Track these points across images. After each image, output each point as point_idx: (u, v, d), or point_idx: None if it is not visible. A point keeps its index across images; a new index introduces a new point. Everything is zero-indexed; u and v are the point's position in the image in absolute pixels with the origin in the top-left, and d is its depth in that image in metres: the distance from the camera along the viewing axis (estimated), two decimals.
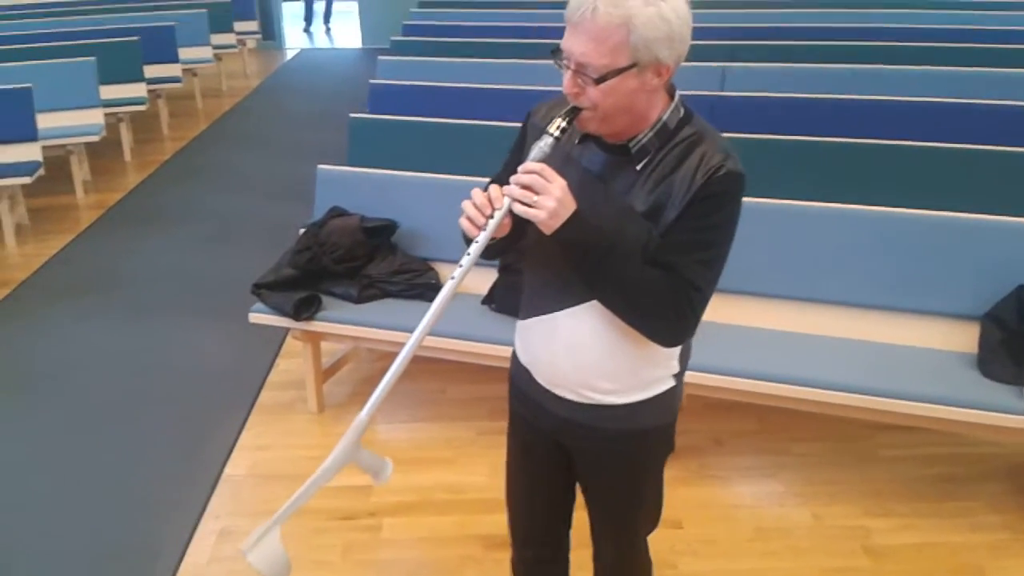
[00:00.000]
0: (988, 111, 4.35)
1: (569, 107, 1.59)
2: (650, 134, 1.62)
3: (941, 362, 3.01)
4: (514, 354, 1.99)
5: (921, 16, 6.93)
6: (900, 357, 3.05)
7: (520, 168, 1.56)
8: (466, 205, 1.60)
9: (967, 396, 2.81)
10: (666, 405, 1.85)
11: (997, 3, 7.65)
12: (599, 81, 1.52)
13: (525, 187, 1.53)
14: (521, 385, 1.96)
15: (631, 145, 1.63)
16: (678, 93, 1.67)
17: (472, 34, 6.85)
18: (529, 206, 1.53)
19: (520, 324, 1.90)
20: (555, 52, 1.59)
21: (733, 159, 1.59)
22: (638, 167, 1.63)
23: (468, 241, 1.63)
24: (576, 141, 1.70)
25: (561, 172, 1.58)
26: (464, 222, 1.60)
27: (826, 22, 6.75)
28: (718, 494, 3.14)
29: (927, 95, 4.54)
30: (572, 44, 1.54)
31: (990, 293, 3.02)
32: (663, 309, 1.61)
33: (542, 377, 1.86)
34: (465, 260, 1.59)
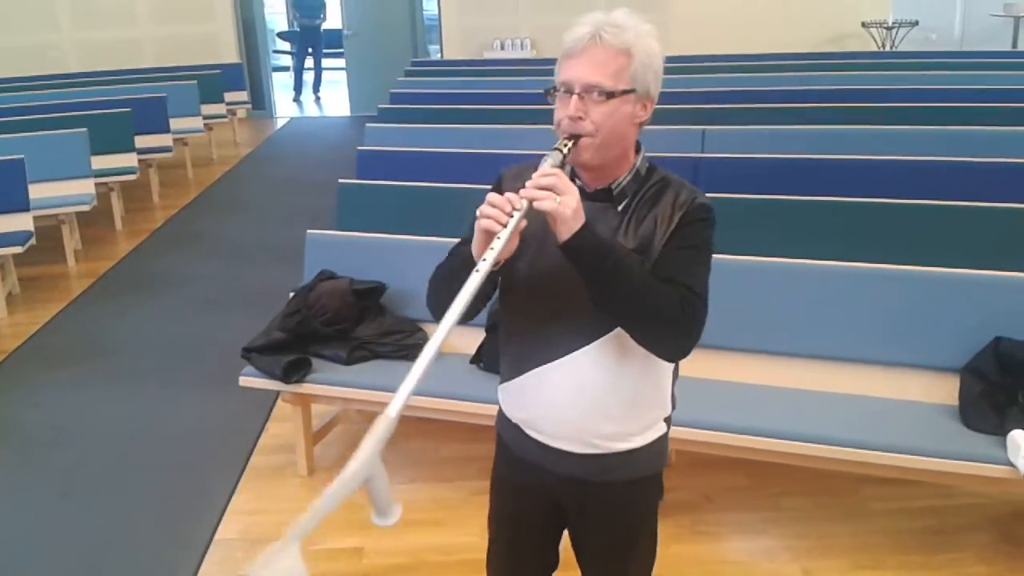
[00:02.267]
0: (962, 168, 4.47)
1: (568, 135, 1.69)
2: (628, 178, 1.75)
3: (924, 414, 3.06)
4: (502, 419, 2.00)
5: (895, 77, 7.12)
6: (884, 410, 3.09)
7: (535, 175, 1.60)
8: (483, 208, 1.61)
9: (951, 448, 2.85)
10: (661, 451, 1.92)
11: (967, 64, 7.86)
12: (610, 96, 1.65)
13: (550, 188, 1.58)
14: (514, 449, 1.96)
15: (613, 187, 1.75)
16: (644, 147, 1.80)
17: (457, 101, 6.99)
18: (555, 203, 1.56)
19: (510, 385, 1.92)
20: (548, 91, 1.73)
21: (701, 194, 1.73)
22: (619, 208, 1.74)
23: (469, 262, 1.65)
24: None
25: (544, 228, 1.65)
26: (485, 222, 1.59)
27: (801, 85, 6.92)
28: (710, 551, 3.15)
29: (903, 154, 4.66)
30: (577, 71, 1.67)
31: (968, 345, 3.08)
32: (674, 314, 1.66)
33: (542, 431, 1.87)
34: (489, 254, 1.57)
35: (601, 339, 1.75)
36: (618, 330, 1.72)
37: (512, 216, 1.58)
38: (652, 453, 1.89)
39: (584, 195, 1.72)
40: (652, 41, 1.68)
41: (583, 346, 1.76)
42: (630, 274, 1.63)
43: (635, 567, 2.02)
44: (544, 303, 1.77)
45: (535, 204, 1.58)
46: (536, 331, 1.81)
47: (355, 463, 1.54)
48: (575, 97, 1.67)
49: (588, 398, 1.79)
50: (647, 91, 1.69)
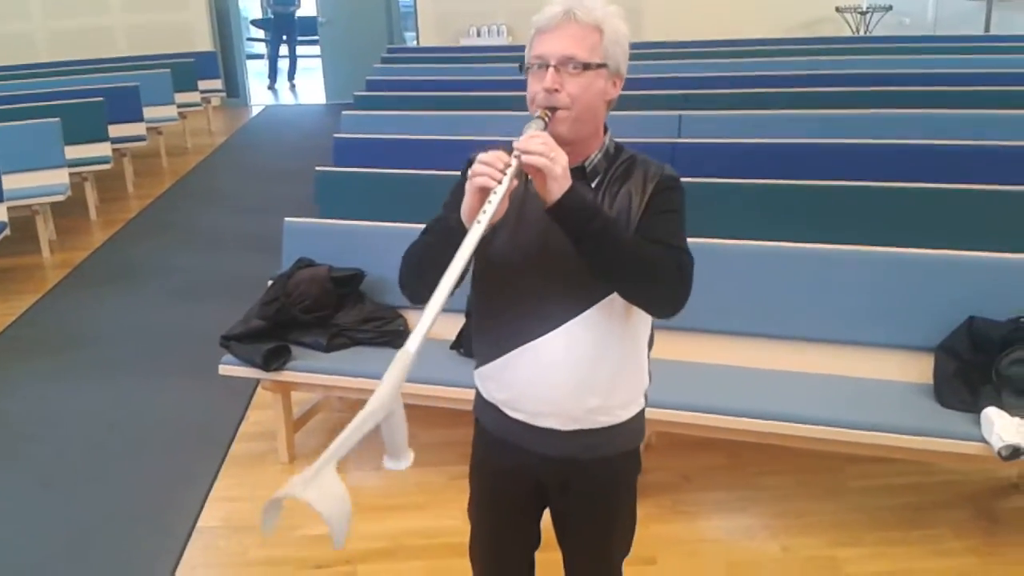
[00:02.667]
0: (935, 151, 4.51)
1: (544, 107, 1.72)
2: (599, 155, 1.80)
3: (899, 393, 3.10)
4: (481, 403, 2.01)
5: (869, 62, 7.16)
6: (860, 389, 3.13)
7: (524, 137, 1.63)
8: (476, 167, 1.62)
9: (926, 425, 2.89)
10: (639, 427, 1.96)
11: (941, 48, 7.93)
12: (586, 67, 1.70)
13: (543, 146, 1.60)
14: (494, 431, 1.98)
15: (586, 165, 1.79)
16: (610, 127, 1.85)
17: (433, 88, 6.98)
18: (547, 159, 1.59)
19: (490, 366, 1.92)
20: (523, 66, 1.77)
21: (668, 167, 1.79)
22: (592, 185, 1.78)
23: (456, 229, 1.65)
24: (527, 185, 1.76)
25: (525, 205, 1.73)
26: (480, 179, 1.61)
27: (776, 70, 6.95)
28: (690, 529, 3.18)
29: (877, 137, 4.70)
30: (553, 45, 1.71)
31: (942, 325, 3.12)
32: (669, 269, 1.70)
33: (525, 410, 1.88)
34: (488, 207, 1.58)
35: (585, 312, 1.76)
36: (602, 302, 1.75)
37: (505, 173, 1.60)
38: (632, 428, 1.93)
39: None
40: (619, 21, 1.75)
41: (567, 320, 1.77)
42: (619, 232, 1.67)
43: (616, 542, 2.04)
44: (526, 279, 1.78)
45: (527, 159, 1.60)
46: (518, 309, 1.82)
47: (375, 398, 1.53)
48: (551, 70, 1.71)
49: (574, 372, 1.80)
50: (617, 67, 1.75)
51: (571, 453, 1.88)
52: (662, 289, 1.72)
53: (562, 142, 1.72)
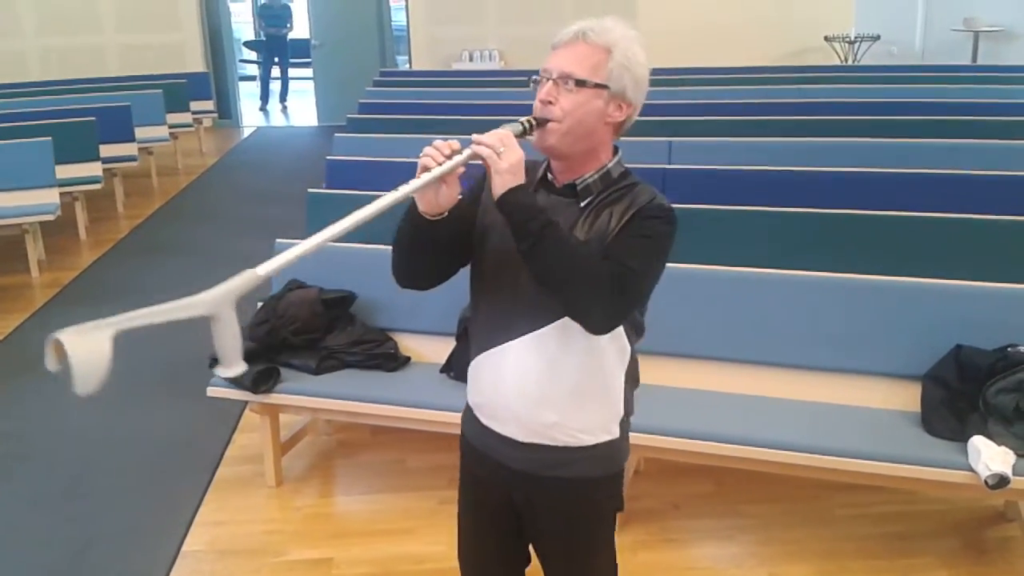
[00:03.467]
0: (924, 180, 4.55)
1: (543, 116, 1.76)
2: (595, 176, 1.80)
3: (887, 421, 3.11)
4: (466, 410, 2.04)
5: (858, 91, 7.23)
6: (848, 417, 3.14)
7: (491, 132, 1.69)
8: (427, 148, 1.70)
9: (914, 454, 2.90)
10: (610, 455, 1.92)
11: (928, 77, 8.01)
12: (580, 84, 1.72)
13: (496, 141, 1.68)
14: (472, 438, 2.02)
15: (578, 183, 1.79)
16: (621, 151, 1.84)
17: (425, 111, 7.00)
18: (495, 153, 1.66)
19: (471, 365, 1.97)
20: (531, 79, 1.81)
21: (663, 197, 1.77)
22: (582, 204, 1.79)
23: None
24: (532, 189, 1.81)
25: None
26: (424, 159, 1.70)
27: (766, 98, 7.01)
28: (678, 557, 3.17)
29: (866, 166, 4.74)
30: (558, 60, 1.76)
31: (929, 353, 3.14)
32: (599, 283, 1.67)
33: (492, 417, 1.91)
34: (413, 182, 1.68)
35: (548, 326, 1.79)
36: (564, 319, 1.75)
37: (451, 159, 1.67)
38: (601, 456, 1.90)
39: (551, 189, 1.82)
40: (635, 46, 1.74)
41: (531, 331, 1.80)
42: (559, 236, 1.68)
43: (589, 573, 2.03)
44: (503, 285, 1.82)
45: (474, 148, 1.67)
46: (493, 312, 1.86)
47: (200, 296, 1.58)
48: (550, 82, 1.75)
49: (533, 383, 1.83)
50: (622, 91, 1.74)
51: (532, 468, 1.89)
52: (590, 300, 1.69)
53: (553, 155, 1.79)
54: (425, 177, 1.67)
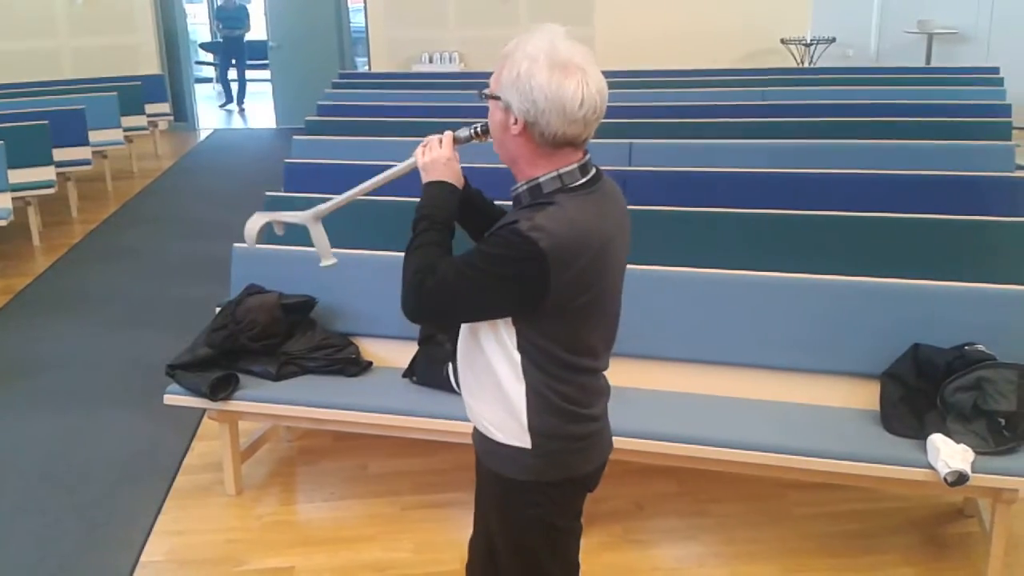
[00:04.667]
0: (880, 181, 4.61)
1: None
2: (525, 187, 1.87)
3: (846, 420, 3.14)
4: None
5: (814, 92, 7.31)
6: (808, 416, 3.17)
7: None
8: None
9: (873, 452, 2.93)
10: (524, 463, 1.92)
11: (883, 79, 8.12)
12: (481, 95, 1.87)
13: (428, 144, 2.01)
14: None
15: (512, 190, 1.89)
16: (570, 167, 1.83)
17: (385, 114, 6.96)
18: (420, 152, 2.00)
19: None
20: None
21: (536, 226, 1.75)
22: (515, 210, 1.87)
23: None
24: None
25: None
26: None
27: (724, 100, 7.06)
28: (641, 558, 3.17)
29: (823, 167, 4.79)
30: None
31: (887, 352, 3.17)
32: (406, 278, 1.86)
33: None
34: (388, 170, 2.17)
35: None
36: None
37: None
38: (513, 458, 1.93)
39: None
40: (527, 63, 1.75)
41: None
42: (416, 236, 1.89)
43: (499, 568, 2.07)
44: None
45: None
46: None
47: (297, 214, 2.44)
48: None
49: (462, 368, 2.03)
50: (509, 103, 1.79)
51: (475, 444, 2.05)
52: (403, 292, 1.86)
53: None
54: (392, 170, 2.16)
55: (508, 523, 2.01)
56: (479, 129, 1.96)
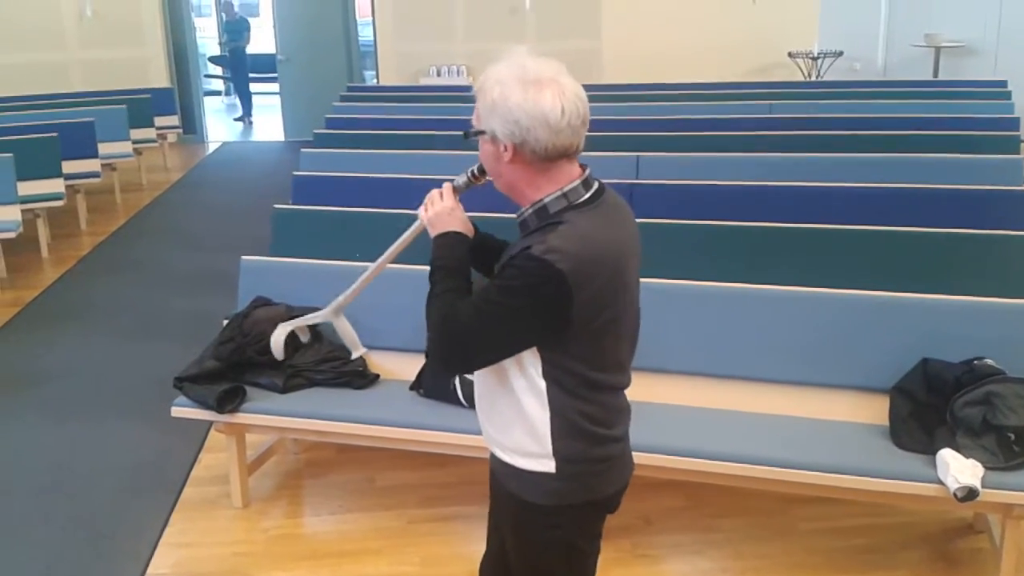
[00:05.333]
0: (889, 194, 4.60)
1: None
2: (530, 211, 1.85)
3: (855, 434, 3.12)
4: None
5: (821, 106, 7.31)
6: (817, 430, 3.15)
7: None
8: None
9: (882, 467, 2.91)
10: (548, 487, 1.91)
11: (891, 92, 8.11)
12: (466, 135, 1.87)
13: (429, 200, 1.98)
14: None
15: (517, 216, 1.88)
16: (573, 184, 1.83)
17: (393, 127, 6.98)
18: (423, 209, 1.98)
19: None
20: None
21: (551, 249, 1.73)
22: (523, 236, 1.85)
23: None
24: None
25: None
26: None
27: (732, 113, 7.07)
28: (650, 573, 3.16)
29: (831, 180, 4.78)
30: None
31: (897, 367, 3.15)
32: (432, 333, 1.85)
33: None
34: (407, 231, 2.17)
35: None
36: None
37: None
38: (536, 484, 1.90)
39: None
40: (497, 87, 1.77)
41: None
42: (435, 285, 1.87)
43: None
44: None
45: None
46: None
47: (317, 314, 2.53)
48: None
49: (481, 398, 2.01)
50: (494, 132, 1.80)
51: (493, 467, 2.02)
52: (428, 344, 1.87)
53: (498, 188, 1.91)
54: (411, 229, 2.16)
55: (527, 544, 2.00)
56: (475, 172, 1.95)
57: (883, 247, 4.00)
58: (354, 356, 2.38)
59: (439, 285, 1.86)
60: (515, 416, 1.90)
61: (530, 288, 1.74)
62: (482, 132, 1.82)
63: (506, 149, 1.79)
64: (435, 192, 1.98)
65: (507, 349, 1.83)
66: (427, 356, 1.91)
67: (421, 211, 1.98)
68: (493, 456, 2.01)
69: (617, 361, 1.91)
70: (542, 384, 1.85)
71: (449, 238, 1.92)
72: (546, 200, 1.82)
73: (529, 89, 1.74)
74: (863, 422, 3.19)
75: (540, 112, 1.74)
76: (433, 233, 1.94)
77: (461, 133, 1.91)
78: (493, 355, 1.85)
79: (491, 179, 1.91)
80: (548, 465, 1.89)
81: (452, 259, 1.90)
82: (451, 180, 1.98)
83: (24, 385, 4.75)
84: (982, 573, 3.12)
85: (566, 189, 1.81)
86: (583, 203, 1.82)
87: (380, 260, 2.32)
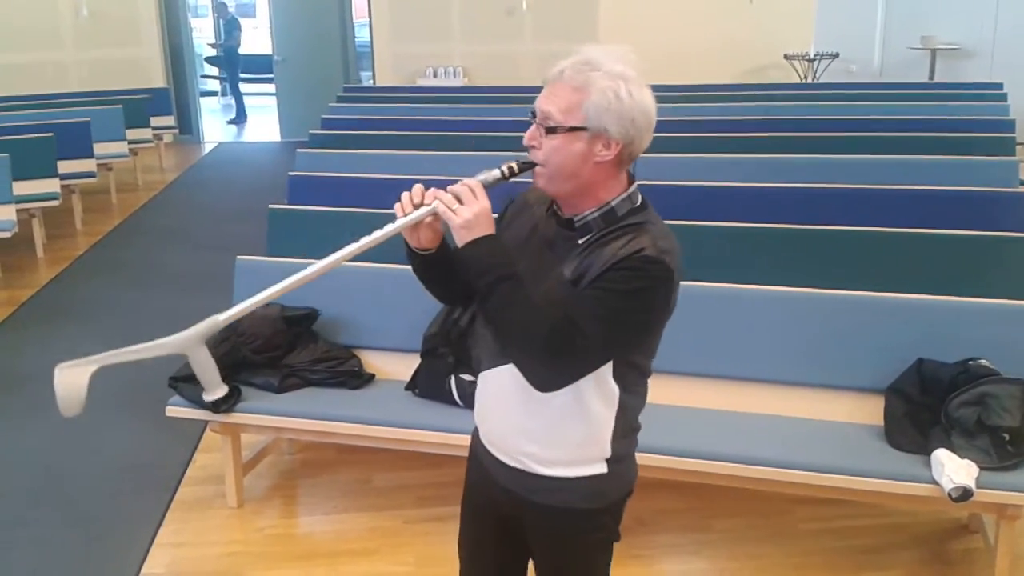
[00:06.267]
0: (884, 196, 4.61)
1: (528, 160, 1.74)
2: (596, 214, 1.74)
3: (850, 435, 3.12)
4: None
5: (817, 108, 7.32)
6: (812, 431, 3.15)
7: (460, 182, 1.71)
8: (403, 194, 1.74)
9: (877, 467, 2.91)
10: (596, 490, 1.87)
11: (887, 95, 8.13)
12: (549, 132, 1.68)
13: (454, 195, 1.70)
14: (475, 448, 2.03)
15: (576, 220, 1.75)
16: (635, 187, 1.78)
17: (388, 127, 6.98)
18: (450, 209, 1.69)
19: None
20: (533, 112, 1.75)
21: (659, 248, 1.68)
22: (580, 241, 1.75)
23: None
24: (547, 213, 1.83)
25: (527, 236, 1.79)
26: (396, 204, 1.76)
27: (729, 115, 7.08)
28: (645, 573, 3.16)
29: (827, 182, 4.79)
30: (541, 99, 1.72)
31: (891, 367, 3.16)
32: (536, 344, 1.65)
33: (484, 433, 1.95)
34: (377, 232, 1.77)
35: None
36: None
37: (417, 209, 1.73)
38: (585, 489, 1.86)
39: (557, 220, 1.79)
40: (621, 83, 1.65)
41: (511, 362, 1.76)
42: (506, 295, 1.67)
43: None
44: None
45: (435, 207, 1.71)
46: (486, 334, 1.86)
47: (170, 339, 1.84)
48: (534, 125, 1.72)
49: (512, 414, 1.85)
50: (603, 130, 1.66)
51: (517, 490, 1.89)
52: (528, 363, 1.70)
53: (548, 194, 1.78)
54: (388, 228, 1.74)
55: (573, 552, 1.96)
56: (514, 167, 1.74)
57: (878, 248, 4.00)
58: (207, 399, 1.93)
59: (514, 295, 1.66)
60: (575, 424, 1.81)
61: (652, 291, 1.69)
62: (582, 128, 1.67)
63: (609, 147, 1.68)
64: (463, 189, 1.70)
65: (620, 354, 1.75)
66: (527, 373, 1.70)
67: (443, 209, 1.70)
68: (516, 475, 1.88)
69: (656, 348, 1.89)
70: (613, 385, 1.80)
71: (491, 243, 1.69)
72: (613, 203, 1.74)
73: (645, 87, 1.68)
74: (858, 422, 3.19)
75: (650, 114, 1.69)
76: (469, 237, 1.68)
77: (550, 127, 1.68)
78: (604, 362, 1.73)
79: (536, 176, 1.76)
80: (600, 468, 1.86)
81: (509, 266, 1.69)
82: (483, 176, 1.74)
83: (18, 385, 4.73)
84: (977, 573, 3.12)
85: (630, 191, 1.77)
86: (640, 206, 1.78)
87: (328, 260, 1.87)
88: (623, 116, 1.66)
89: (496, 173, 1.73)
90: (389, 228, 1.74)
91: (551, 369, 1.69)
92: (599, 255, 1.70)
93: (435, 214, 1.73)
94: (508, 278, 1.67)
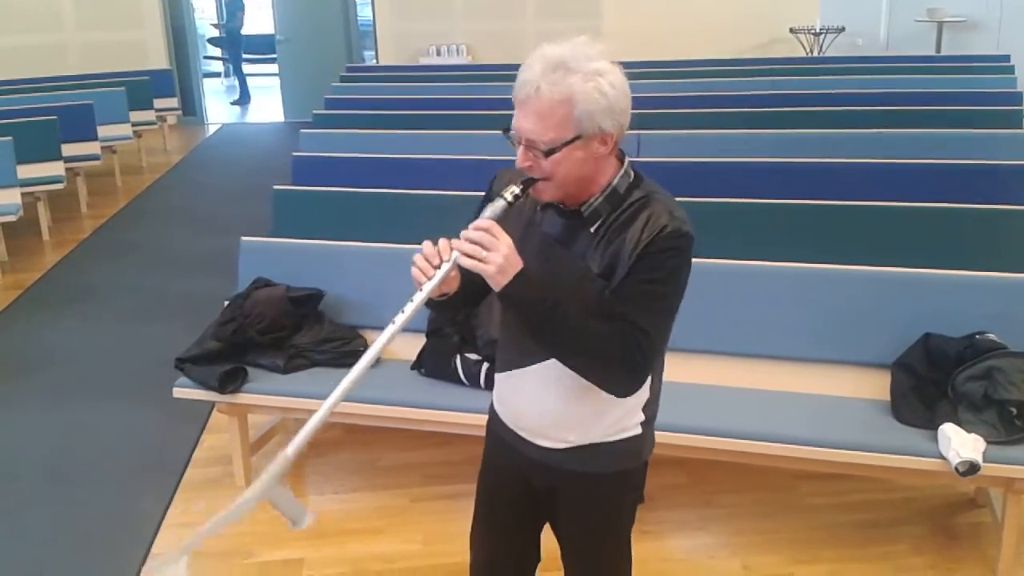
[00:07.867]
0: (890, 170, 4.58)
1: (526, 177, 1.70)
2: (600, 198, 1.74)
3: (857, 410, 3.12)
4: (491, 403, 2.07)
5: (824, 82, 7.26)
6: (818, 406, 3.15)
7: (471, 225, 1.63)
8: (416, 257, 1.67)
9: (884, 442, 2.91)
10: (630, 450, 1.93)
11: (893, 68, 8.06)
12: (548, 154, 1.65)
13: (475, 243, 1.62)
14: (495, 429, 2.04)
15: (583, 209, 1.75)
16: (627, 158, 1.79)
17: (392, 107, 6.95)
18: (479, 260, 1.61)
19: (496, 377, 2.00)
20: (506, 130, 1.70)
21: (678, 219, 1.70)
22: (592, 229, 1.74)
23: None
24: (539, 207, 1.80)
25: (523, 236, 1.74)
26: (414, 271, 1.67)
27: (733, 90, 7.03)
28: (652, 549, 3.16)
29: (833, 156, 4.76)
30: (521, 122, 1.66)
31: (898, 342, 3.15)
32: (610, 358, 1.69)
33: (515, 426, 1.96)
34: (408, 307, 1.67)
35: None
36: None
37: (439, 268, 1.65)
38: (621, 451, 1.91)
39: (560, 213, 1.77)
40: (601, 81, 1.62)
41: (547, 359, 1.78)
42: (565, 320, 1.66)
43: (607, 560, 2.05)
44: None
45: (460, 262, 1.63)
46: (512, 333, 1.87)
47: (250, 491, 1.65)
48: (522, 148, 1.68)
49: (551, 408, 1.86)
50: (598, 130, 1.65)
51: (550, 462, 1.93)
52: (603, 375, 1.73)
53: (557, 200, 1.75)
54: (418, 299, 1.66)
55: (608, 515, 2.00)
56: (519, 192, 1.69)
57: (885, 222, 3.99)
58: (291, 528, 1.77)
59: (568, 319, 1.66)
60: (613, 407, 1.84)
61: (684, 264, 1.73)
62: (575, 139, 1.64)
63: (605, 142, 1.67)
64: (482, 235, 1.61)
65: (671, 329, 1.78)
66: (606, 385, 1.73)
67: (471, 263, 1.61)
68: (550, 452, 1.90)
69: None
70: None
71: (528, 278, 1.64)
72: (614, 182, 1.75)
73: (616, 70, 1.65)
74: (865, 398, 3.19)
75: (628, 91, 1.68)
76: (505, 280, 1.61)
77: (546, 150, 1.64)
78: (666, 345, 1.79)
79: (539, 192, 1.72)
80: (636, 429, 1.91)
81: (552, 289, 1.67)
82: (490, 211, 1.67)
83: (25, 368, 4.75)
84: (983, 547, 3.12)
85: (625, 167, 1.77)
86: (637, 178, 1.79)
87: (370, 354, 1.75)
88: (613, 110, 1.65)
89: (502, 203, 1.68)
90: (418, 298, 1.67)
91: (632, 373, 1.72)
92: (621, 242, 1.70)
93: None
94: (556, 304, 1.65)
